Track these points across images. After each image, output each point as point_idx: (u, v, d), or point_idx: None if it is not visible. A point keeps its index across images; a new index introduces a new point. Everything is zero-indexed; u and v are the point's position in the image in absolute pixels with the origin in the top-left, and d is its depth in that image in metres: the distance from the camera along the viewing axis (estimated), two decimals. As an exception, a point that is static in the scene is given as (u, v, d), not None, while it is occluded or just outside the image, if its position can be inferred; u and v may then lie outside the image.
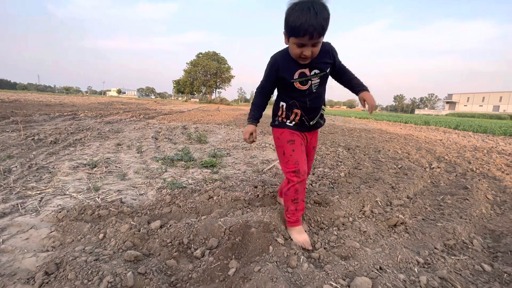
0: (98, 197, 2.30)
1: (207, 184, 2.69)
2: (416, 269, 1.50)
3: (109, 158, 3.70)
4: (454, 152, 5.48)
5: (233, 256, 1.55)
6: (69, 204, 2.08)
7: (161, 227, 1.75)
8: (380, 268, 1.45)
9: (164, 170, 3.28)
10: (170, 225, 1.75)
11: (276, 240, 1.61)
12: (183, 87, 51.65)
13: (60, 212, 1.88)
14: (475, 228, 2.04)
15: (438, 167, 3.99)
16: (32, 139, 4.54)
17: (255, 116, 1.75)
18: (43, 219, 1.84)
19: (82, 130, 5.92)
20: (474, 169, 3.92)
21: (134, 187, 2.67)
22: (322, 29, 1.33)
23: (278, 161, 3.33)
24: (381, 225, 2.01)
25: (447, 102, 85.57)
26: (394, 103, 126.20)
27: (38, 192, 2.34)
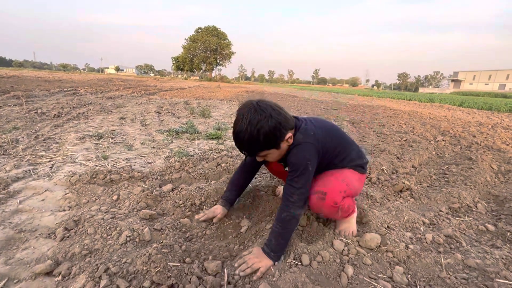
0: (108, 164, 2.33)
1: (214, 154, 2.71)
2: (422, 228, 1.55)
3: (114, 130, 3.70)
4: (459, 127, 5.45)
5: (244, 216, 1.60)
6: (80, 171, 2.11)
7: (172, 190, 1.79)
8: (388, 227, 1.50)
9: (170, 142, 3.30)
10: (181, 188, 1.79)
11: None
12: (183, 64, 50.40)
13: (72, 176, 1.91)
14: (480, 194, 2.08)
15: (443, 140, 3.99)
16: (36, 112, 4.52)
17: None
18: (56, 183, 1.88)
19: (84, 105, 5.87)
20: (479, 142, 3.92)
21: (141, 156, 2.69)
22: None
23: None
24: (387, 191, 2.04)
25: (452, 80, 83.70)
26: (398, 81, 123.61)
27: (48, 159, 2.37)
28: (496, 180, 2.40)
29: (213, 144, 3.28)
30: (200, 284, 1.03)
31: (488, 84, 73.40)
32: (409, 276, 1.12)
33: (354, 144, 1.43)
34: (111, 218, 1.43)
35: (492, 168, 2.68)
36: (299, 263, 1.14)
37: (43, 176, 2.01)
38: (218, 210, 1.54)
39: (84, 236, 1.29)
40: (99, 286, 0.97)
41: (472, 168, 2.56)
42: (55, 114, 4.48)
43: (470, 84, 77.37)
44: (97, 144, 3.01)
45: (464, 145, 3.72)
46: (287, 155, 1.24)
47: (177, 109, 6.17)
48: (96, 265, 1.06)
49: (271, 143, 1.16)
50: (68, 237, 1.31)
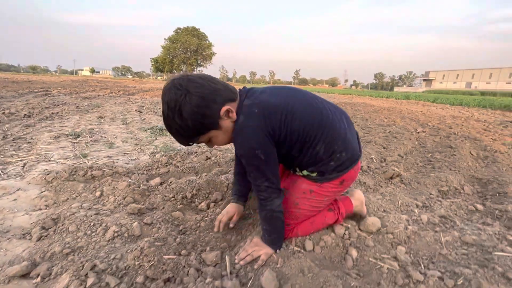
0: (88, 162, 2.17)
1: (202, 148, 2.62)
2: (416, 211, 1.56)
3: (93, 129, 3.49)
4: (436, 120, 5.71)
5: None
6: (57, 169, 1.94)
7: (161, 184, 1.69)
8: (384, 210, 1.50)
9: (154, 139, 3.15)
10: (171, 182, 1.69)
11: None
12: (162, 65, 49.16)
13: (48, 174, 1.75)
14: (464, 177, 2.15)
15: (423, 132, 4.14)
16: (3, 113, 4.16)
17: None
18: (30, 182, 1.71)
19: (58, 105, 5.52)
20: (456, 132, 4.11)
21: (124, 153, 2.54)
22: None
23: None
24: (378, 178, 2.06)
25: (424, 80, 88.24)
26: (374, 81, 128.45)
27: (19, 159, 2.16)
28: (477, 164, 2.50)
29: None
30: (199, 276, 0.96)
31: (456, 83, 78.12)
32: (411, 255, 1.11)
33: (330, 129, 1.03)
34: (94, 214, 1.31)
35: (472, 154, 2.80)
36: (302, 249, 1.10)
37: (14, 175, 1.82)
38: (232, 210, 1.28)
39: (65, 234, 1.17)
40: (85, 285, 0.87)
41: (454, 154, 2.66)
42: (25, 114, 4.16)
43: (440, 83, 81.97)
44: (74, 143, 2.81)
45: (443, 135, 3.88)
46: None
47: (159, 108, 5.96)
48: (81, 262, 0.95)
49: (203, 124, 0.94)
50: (46, 236, 1.18)
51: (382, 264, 1.01)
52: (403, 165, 2.36)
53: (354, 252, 1.09)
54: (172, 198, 1.54)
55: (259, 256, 1.04)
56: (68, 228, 1.20)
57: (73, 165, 1.89)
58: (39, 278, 0.93)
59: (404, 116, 6.22)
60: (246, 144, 0.95)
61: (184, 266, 0.99)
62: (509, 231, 1.33)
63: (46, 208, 1.43)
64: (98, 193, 1.54)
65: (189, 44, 46.50)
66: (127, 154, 2.52)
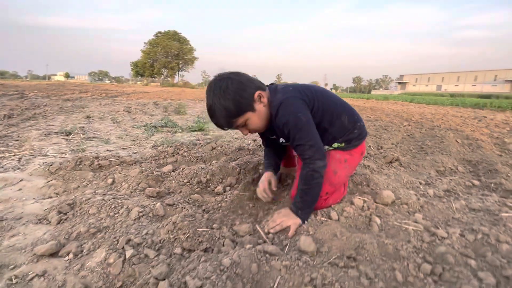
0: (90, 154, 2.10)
1: (206, 139, 2.61)
2: (421, 187, 1.66)
3: (83, 127, 3.36)
4: (418, 116, 6.03)
5: (256, 188, 1.55)
6: (58, 161, 1.86)
7: (173, 170, 1.67)
8: (393, 187, 1.58)
9: (151, 135, 3.09)
10: (182, 169, 1.67)
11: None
12: (142, 70, 48.03)
13: (52, 165, 1.67)
14: (456, 160, 2.30)
15: (409, 125, 4.37)
16: (-20, 113, 3.91)
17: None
18: (32, 173, 1.63)
19: (39, 106, 5.24)
20: (439, 125, 4.37)
21: (123, 148, 2.48)
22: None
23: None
24: (379, 162, 2.16)
25: (399, 83, 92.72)
26: (353, 85, 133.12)
27: (13, 154, 2.05)
28: (464, 150, 2.69)
29: (198, 135, 3.16)
30: (236, 245, 0.97)
31: (427, 86, 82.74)
32: (428, 220, 1.18)
33: (346, 106, 1.29)
34: (112, 198, 1.27)
35: (458, 142, 3.00)
36: (329, 219, 1.14)
37: (12, 168, 1.73)
38: (267, 176, 1.33)
39: (86, 217, 1.13)
40: (124, 257, 0.85)
41: (443, 142, 2.84)
42: (5, 115, 3.93)
43: (413, 86, 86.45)
44: (67, 139, 2.69)
45: (428, 128, 4.11)
46: (275, 127, 1.18)
47: (148, 108, 5.83)
48: (114, 238, 0.93)
49: (242, 105, 1.10)
50: (66, 219, 1.13)
51: (407, 226, 1.07)
52: (399, 151, 2.49)
53: (377, 220, 1.15)
54: (187, 183, 1.53)
55: (288, 227, 1.07)
56: (89, 211, 1.16)
57: (77, 156, 1.82)
58: (71, 255, 0.90)
59: (388, 113, 6.52)
60: (288, 110, 1.10)
61: (218, 238, 1.00)
62: (507, 199, 1.45)
63: (56, 196, 1.37)
64: (110, 180, 1.50)
65: (170, 48, 45.82)
66: (127, 148, 2.46)
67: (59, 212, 1.17)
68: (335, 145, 1.27)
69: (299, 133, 1.09)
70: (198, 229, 1.00)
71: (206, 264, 0.78)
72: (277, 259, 0.84)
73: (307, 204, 1.13)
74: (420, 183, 1.73)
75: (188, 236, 0.96)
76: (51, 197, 1.36)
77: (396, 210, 1.26)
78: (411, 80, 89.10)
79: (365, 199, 1.34)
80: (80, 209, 1.19)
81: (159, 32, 48.13)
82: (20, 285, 0.78)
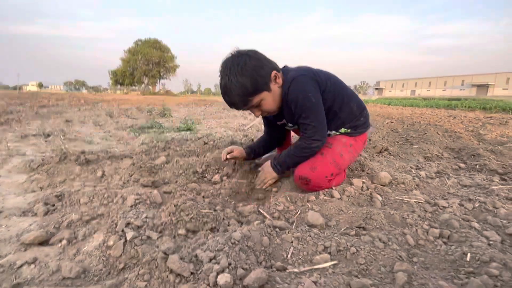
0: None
1: (197, 135, 2.55)
2: (413, 171, 1.70)
3: (63, 130, 3.19)
4: (397, 115, 6.30)
5: (253, 177, 1.53)
6: (38, 159, 1.74)
7: (167, 162, 1.61)
8: (387, 171, 1.61)
9: (137, 135, 2.98)
10: (176, 161, 1.62)
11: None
12: (122, 78, 46.82)
13: (32, 161, 1.56)
14: (440, 148, 2.40)
15: (392, 122, 4.54)
16: None
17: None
18: (10, 170, 1.51)
19: (11, 112, 4.93)
20: (419, 121, 4.58)
21: (110, 148, 2.36)
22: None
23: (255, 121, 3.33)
24: (370, 151, 2.21)
25: (376, 89, 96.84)
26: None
27: (-14, 154, 1.89)
28: (446, 140, 2.82)
29: (187, 134, 3.09)
30: (242, 224, 0.93)
31: (402, 91, 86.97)
32: (426, 195, 1.21)
33: (354, 94, 1.39)
34: (104, 188, 1.20)
35: (439, 134, 3.14)
36: (331, 197, 1.14)
37: (-13, 167, 1.59)
38: (235, 148, 1.42)
39: (77, 206, 1.06)
40: (125, 239, 0.80)
41: (425, 133, 2.97)
42: (-27, 120, 3.65)
43: (389, 91, 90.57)
44: (46, 141, 2.54)
45: (409, 124, 4.29)
46: (284, 106, 1.18)
47: (131, 113, 5.66)
48: (112, 221, 0.87)
49: (258, 84, 1.07)
50: (54, 210, 1.05)
51: (408, 199, 1.09)
52: (387, 142, 2.57)
53: (378, 197, 1.16)
54: (183, 174, 1.48)
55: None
56: (79, 200, 1.08)
57: (62, 150, 1.71)
58: (64, 241, 0.83)
59: (370, 113, 6.75)
60: (299, 88, 1.11)
61: (223, 218, 0.96)
62: (493, 177, 1.53)
63: (41, 190, 1.27)
64: (99, 173, 1.42)
65: (151, 56, 45.15)
66: (113, 148, 2.35)
67: (46, 204, 1.08)
68: (342, 130, 1.31)
69: (306, 112, 1.13)
70: (201, 210, 0.96)
71: (216, 238, 0.74)
72: (288, 232, 0.82)
73: (286, 164, 1.26)
74: (412, 168, 1.78)
75: (192, 217, 0.91)
76: (34, 191, 1.26)
77: (395, 189, 1.29)
78: (387, 86, 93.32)
79: (364, 180, 1.35)
80: (69, 200, 1.11)
81: (139, 40, 47.37)
82: (7, 273, 0.71)
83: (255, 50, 1.14)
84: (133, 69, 46.42)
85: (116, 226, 0.85)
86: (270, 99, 1.15)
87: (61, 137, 2.74)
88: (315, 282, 0.57)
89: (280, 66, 1.25)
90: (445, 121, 5.00)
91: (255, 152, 1.49)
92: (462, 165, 1.83)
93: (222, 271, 0.60)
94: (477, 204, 1.02)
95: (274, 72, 1.12)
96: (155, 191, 1.15)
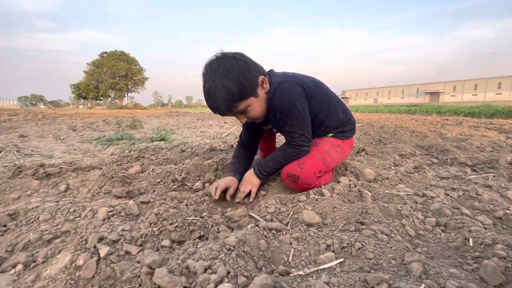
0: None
1: (173, 143, 2.41)
2: (393, 167, 1.75)
3: (17, 145, 2.84)
4: (366, 120, 6.63)
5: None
6: (-14, 176, 1.49)
7: (142, 172, 1.47)
8: (370, 169, 1.63)
9: (105, 147, 2.75)
10: (153, 169, 1.49)
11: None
12: (86, 92, 44.16)
13: (-22, 178, 1.33)
14: (411, 146, 2.53)
15: (362, 126, 4.75)
16: None
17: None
18: None
19: (-48, 129, 4.33)
20: (387, 124, 4.85)
21: (75, 160, 2.13)
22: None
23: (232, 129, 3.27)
24: (349, 152, 2.25)
25: (343, 98, 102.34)
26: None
27: None
28: (415, 139, 2.99)
29: (161, 143, 2.92)
30: (233, 230, 0.85)
31: (366, 99, 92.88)
32: (411, 188, 1.23)
33: (340, 101, 1.33)
34: (69, 203, 1.05)
35: (407, 134, 3.33)
36: (322, 196, 1.10)
37: None
38: (229, 180, 1.20)
39: (36, 224, 0.90)
40: (98, 256, 0.68)
41: (396, 134, 3.13)
42: None
43: (354, 100, 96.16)
44: (-4, 157, 2.22)
45: (378, 127, 4.52)
46: (270, 112, 1.13)
47: (97, 126, 5.29)
48: (82, 237, 0.74)
49: (245, 89, 1.01)
50: (6, 231, 0.88)
51: (397, 192, 1.09)
52: (363, 144, 2.64)
53: (368, 192, 1.15)
54: (161, 182, 1.36)
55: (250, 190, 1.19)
56: (39, 217, 0.92)
57: (15, 165, 1.49)
58: (19, 266, 0.68)
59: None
60: (286, 95, 1.06)
61: (212, 225, 0.88)
62: (465, 168, 1.61)
63: (-11, 210, 1.07)
64: (62, 187, 1.25)
65: (117, 69, 43.32)
66: (79, 160, 2.13)
67: (-4, 225, 0.90)
68: (330, 135, 1.30)
69: (292, 120, 1.09)
70: (187, 218, 0.86)
71: (209, 245, 0.66)
72: (285, 233, 0.76)
73: (271, 171, 1.21)
74: (391, 165, 1.83)
75: (176, 226, 0.81)
76: (-20, 212, 1.06)
77: (381, 184, 1.29)
78: (352, 95, 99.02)
79: (350, 178, 1.35)
80: (25, 218, 0.94)
81: (105, 52, 45.36)
82: None
83: (241, 53, 1.07)
84: (98, 82, 44.11)
85: (86, 243, 0.72)
86: (256, 105, 1.08)
87: (15, 152, 2.43)
88: (327, 283, 0.51)
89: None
90: (409, 123, 5.34)
91: (244, 173, 1.33)
92: (435, 160, 1.93)
93: (221, 281, 0.52)
94: (461, 193, 1.05)
95: (261, 77, 1.06)
96: (131, 202, 1.02)
